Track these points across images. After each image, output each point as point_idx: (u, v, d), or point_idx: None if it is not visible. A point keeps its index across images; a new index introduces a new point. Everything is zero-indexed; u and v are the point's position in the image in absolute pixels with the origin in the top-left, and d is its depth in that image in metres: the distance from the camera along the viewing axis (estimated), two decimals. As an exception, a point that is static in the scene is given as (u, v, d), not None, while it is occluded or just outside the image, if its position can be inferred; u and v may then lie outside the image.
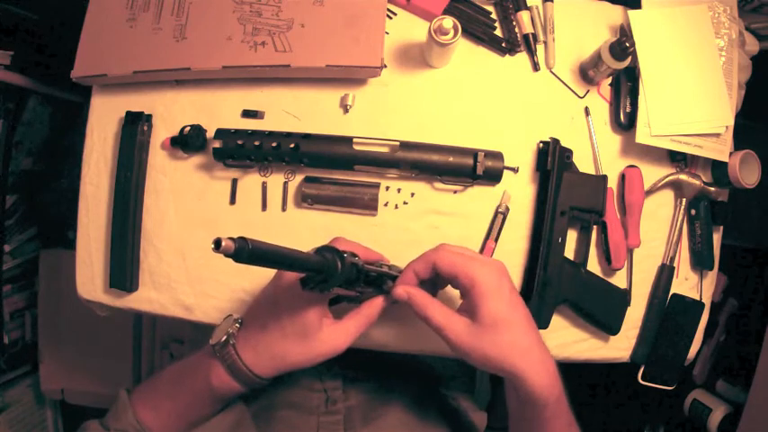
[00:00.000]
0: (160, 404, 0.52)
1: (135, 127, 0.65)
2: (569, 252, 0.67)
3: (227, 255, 0.29)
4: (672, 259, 0.69)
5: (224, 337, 0.49)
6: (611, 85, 0.70)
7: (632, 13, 0.68)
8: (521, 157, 0.67)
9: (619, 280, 0.68)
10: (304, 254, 0.38)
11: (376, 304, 0.51)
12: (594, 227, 0.67)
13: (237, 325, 0.51)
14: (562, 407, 0.47)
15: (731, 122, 0.67)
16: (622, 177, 0.68)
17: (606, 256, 0.67)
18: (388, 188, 0.67)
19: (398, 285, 0.49)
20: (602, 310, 0.66)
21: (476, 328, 0.45)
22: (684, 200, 0.69)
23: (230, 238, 0.29)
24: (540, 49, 0.69)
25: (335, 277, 0.40)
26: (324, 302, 0.48)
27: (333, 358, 0.68)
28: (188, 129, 0.65)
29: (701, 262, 0.70)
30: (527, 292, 0.64)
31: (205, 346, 0.51)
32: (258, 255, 0.31)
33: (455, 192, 0.67)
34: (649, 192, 0.68)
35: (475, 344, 0.45)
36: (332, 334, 0.48)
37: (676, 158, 0.70)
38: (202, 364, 0.51)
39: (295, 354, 0.48)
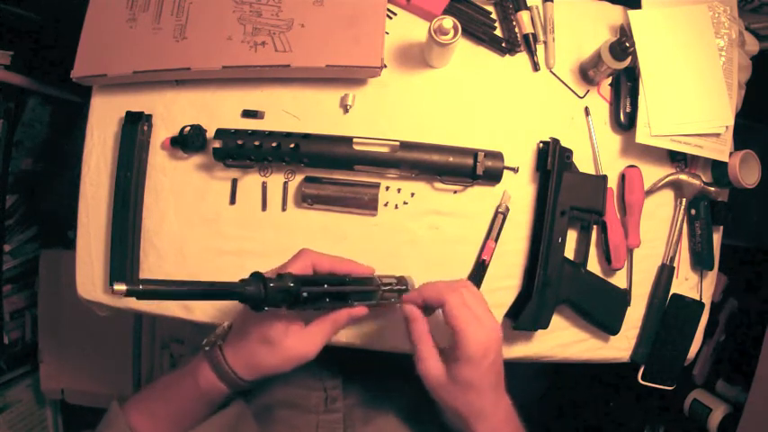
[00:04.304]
0: (154, 409, 0.54)
1: (135, 127, 0.65)
2: (569, 252, 0.67)
3: (123, 296, 0.34)
4: (672, 259, 0.69)
5: (213, 340, 0.52)
6: (611, 85, 0.70)
7: (632, 13, 0.68)
8: (521, 157, 0.67)
9: (619, 280, 0.68)
10: (209, 286, 0.41)
11: (344, 314, 0.52)
12: (594, 227, 0.67)
13: (228, 329, 0.53)
14: None
15: (731, 122, 0.67)
16: (622, 177, 0.68)
17: (606, 256, 0.67)
18: (388, 188, 0.67)
19: (407, 303, 0.52)
20: (602, 310, 0.66)
21: (446, 378, 0.48)
22: (684, 200, 0.69)
23: (124, 282, 0.34)
24: (540, 49, 0.69)
25: (262, 301, 0.42)
26: (284, 313, 0.49)
27: (333, 357, 0.68)
28: (188, 129, 0.65)
29: (700, 262, 0.70)
30: (527, 292, 0.64)
31: (199, 352, 0.54)
32: (153, 294, 0.37)
33: (455, 192, 0.67)
34: (649, 192, 0.68)
35: (440, 390, 0.49)
36: (300, 340, 0.50)
37: (676, 158, 0.70)
38: (193, 366, 0.53)
39: (266, 359, 0.50)
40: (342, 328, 0.52)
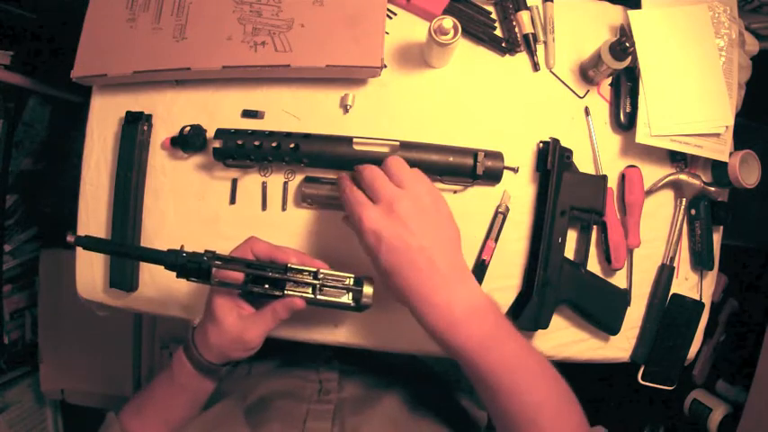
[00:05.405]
0: (141, 407, 0.56)
1: (135, 127, 0.65)
2: (569, 252, 0.67)
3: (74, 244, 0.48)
4: (672, 259, 0.69)
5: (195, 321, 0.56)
6: (611, 85, 0.70)
7: (632, 13, 0.68)
8: (521, 157, 0.67)
9: (619, 280, 0.68)
10: (140, 249, 0.53)
11: (279, 304, 0.52)
12: (594, 227, 0.67)
13: None
14: (483, 347, 0.47)
15: (731, 122, 0.67)
16: (622, 177, 0.68)
17: (606, 256, 0.67)
18: (388, 188, 0.66)
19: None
20: (602, 310, 0.66)
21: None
22: (684, 200, 0.69)
23: (76, 234, 0.47)
24: (540, 49, 0.69)
25: (175, 269, 0.50)
26: (233, 295, 0.53)
27: (332, 353, 0.69)
28: (188, 129, 0.65)
29: (701, 262, 0.70)
30: (527, 292, 0.64)
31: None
32: (95, 247, 0.51)
33: (455, 192, 0.67)
34: (649, 192, 0.68)
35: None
36: (240, 322, 0.52)
37: (676, 158, 0.70)
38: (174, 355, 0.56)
39: (210, 335, 0.52)
40: (282, 317, 0.52)
